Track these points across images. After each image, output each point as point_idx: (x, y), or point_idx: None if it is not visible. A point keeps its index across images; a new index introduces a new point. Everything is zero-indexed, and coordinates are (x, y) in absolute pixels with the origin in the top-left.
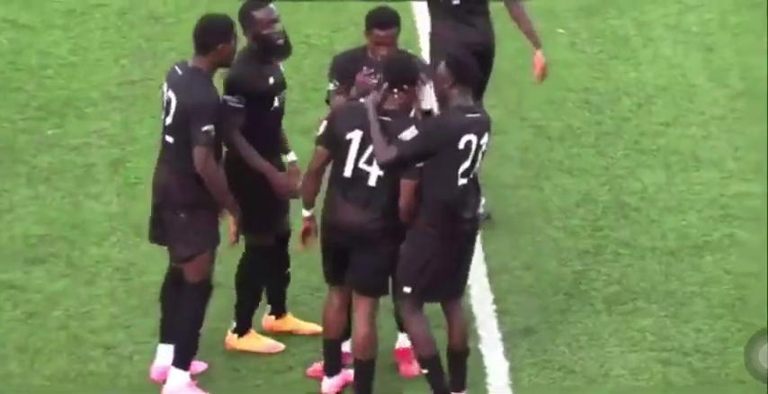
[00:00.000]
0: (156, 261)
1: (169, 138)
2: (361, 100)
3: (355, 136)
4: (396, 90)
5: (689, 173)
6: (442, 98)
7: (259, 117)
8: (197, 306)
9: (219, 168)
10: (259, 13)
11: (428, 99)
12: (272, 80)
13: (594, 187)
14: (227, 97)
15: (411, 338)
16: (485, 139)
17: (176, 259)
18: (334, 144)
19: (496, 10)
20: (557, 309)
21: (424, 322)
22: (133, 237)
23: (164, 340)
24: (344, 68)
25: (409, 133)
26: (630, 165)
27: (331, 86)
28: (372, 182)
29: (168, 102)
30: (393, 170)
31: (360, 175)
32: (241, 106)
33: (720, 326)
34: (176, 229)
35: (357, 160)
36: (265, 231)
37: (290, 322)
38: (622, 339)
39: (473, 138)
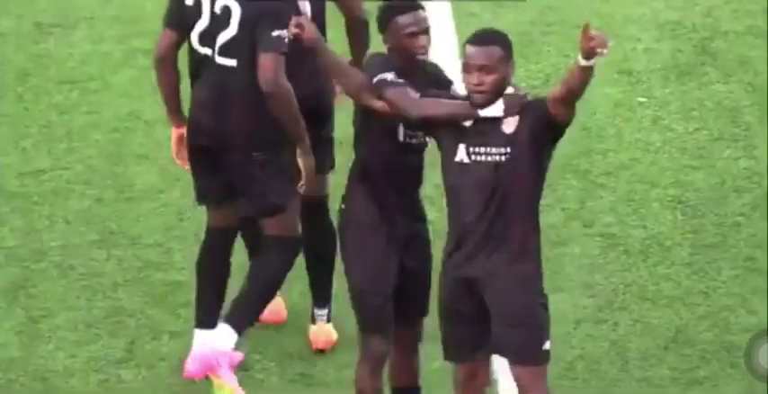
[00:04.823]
0: None
1: (229, 61)
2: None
3: None
4: None
5: None
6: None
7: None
8: (285, 266)
9: (291, 89)
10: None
11: None
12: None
13: (690, 322)
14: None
15: None
16: None
17: (260, 212)
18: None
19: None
20: None
21: None
22: None
23: (200, 325)
24: None
25: None
26: (742, 292)
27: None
28: None
29: (225, 12)
30: None
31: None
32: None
33: None
34: (254, 176)
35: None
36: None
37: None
38: None
39: None
